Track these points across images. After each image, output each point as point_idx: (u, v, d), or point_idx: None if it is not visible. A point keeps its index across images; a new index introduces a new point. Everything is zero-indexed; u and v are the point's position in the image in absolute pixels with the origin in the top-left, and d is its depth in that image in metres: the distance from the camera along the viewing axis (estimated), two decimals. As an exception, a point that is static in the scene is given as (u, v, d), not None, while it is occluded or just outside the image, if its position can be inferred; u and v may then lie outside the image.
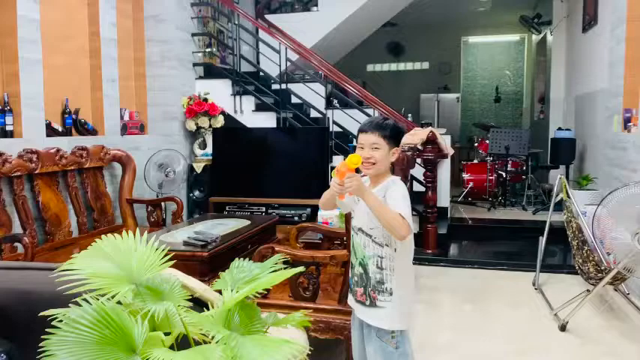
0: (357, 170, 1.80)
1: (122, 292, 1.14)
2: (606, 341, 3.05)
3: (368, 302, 1.86)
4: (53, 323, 1.02)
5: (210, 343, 1.15)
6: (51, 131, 3.98)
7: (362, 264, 1.87)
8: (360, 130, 1.89)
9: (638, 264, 2.21)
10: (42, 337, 1.00)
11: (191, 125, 5.17)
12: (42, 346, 1.00)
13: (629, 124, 4.05)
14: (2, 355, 1.41)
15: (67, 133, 4.13)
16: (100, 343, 1.01)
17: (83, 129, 4.30)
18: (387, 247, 1.82)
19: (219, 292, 1.38)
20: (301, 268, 1.59)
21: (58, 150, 3.81)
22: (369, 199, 1.74)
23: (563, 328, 3.17)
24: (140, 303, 1.18)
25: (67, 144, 3.96)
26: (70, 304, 1.07)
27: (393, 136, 1.85)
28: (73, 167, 3.96)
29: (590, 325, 3.26)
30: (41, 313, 1.13)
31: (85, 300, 1.09)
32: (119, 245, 1.24)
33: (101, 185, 4.30)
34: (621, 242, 2.16)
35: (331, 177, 1.82)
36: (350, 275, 1.97)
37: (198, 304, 1.53)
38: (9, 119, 3.57)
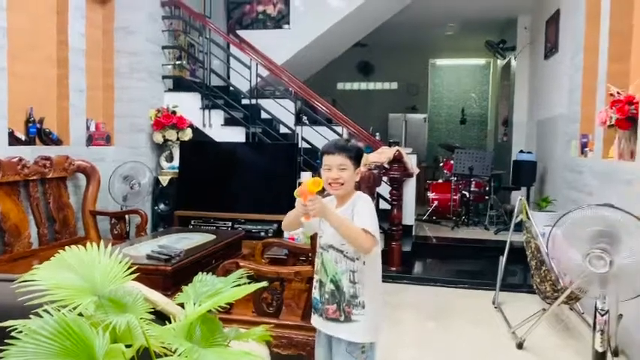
0: (323, 190, 1.86)
1: (84, 304, 1.14)
2: (561, 359, 3.14)
3: (342, 318, 1.89)
4: (13, 334, 1.01)
5: (171, 355, 1.16)
6: (14, 140, 3.90)
7: (334, 280, 1.90)
8: (326, 152, 1.95)
9: (590, 284, 2.30)
10: (0, 347, 1.00)
11: (158, 138, 5.13)
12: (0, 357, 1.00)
13: (586, 149, 4.22)
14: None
15: (30, 142, 4.06)
16: (60, 354, 1.01)
17: (47, 138, 4.23)
18: (357, 261, 1.88)
19: (182, 305, 1.40)
20: (264, 283, 1.61)
21: (21, 159, 3.74)
22: (332, 219, 1.81)
23: (520, 346, 3.25)
24: (102, 315, 1.19)
25: (30, 153, 3.89)
26: (30, 315, 1.07)
27: (357, 156, 1.94)
28: (35, 177, 3.89)
29: (546, 344, 3.35)
30: (0, 324, 1.12)
31: (45, 311, 1.09)
32: (82, 257, 1.24)
33: (64, 196, 4.22)
34: (574, 263, 2.24)
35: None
36: (317, 295, 1.98)
37: (160, 317, 1.53)
38: (-30, 127, 3.50)
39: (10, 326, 1.07)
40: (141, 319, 1.24)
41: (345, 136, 5.52)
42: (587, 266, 2.14)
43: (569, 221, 2.24)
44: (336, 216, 1.83)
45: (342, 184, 1.91)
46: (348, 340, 1.89)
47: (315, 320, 2.00)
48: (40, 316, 1.07)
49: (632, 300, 2.95)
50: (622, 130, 3.31)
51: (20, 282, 1.15)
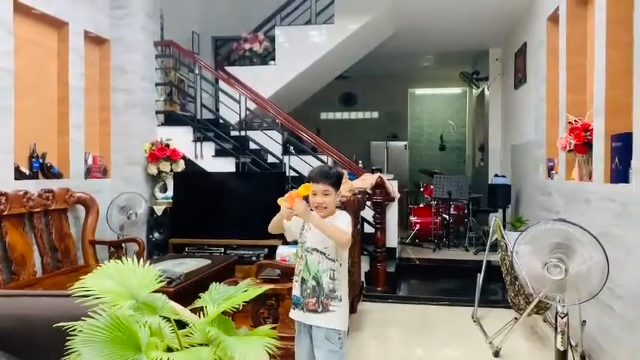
0: (306, 198, 2.25)
1: (126, 306, 1.41)
2: (534, 364, 3.43)
3: (320, 309, 2.25)
4: (77, 328, 1.27)
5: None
6: (18, 174, 4.14)
7: (315, 277, 2.26)
8: (312, 179, 2.32)
9: (557, 292, 2.59)
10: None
11: (153, 169, 5.40)
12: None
13: (552, 172, 4.58)
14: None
15: (33, 176, 4.29)
16: (114, 341, 1.27)
17: (49, 172, 4.47)
18: (336, 262, 2.28)
19: (195, 313, 1.67)
20: (269, 285, 1.97)
21: (26, 192, 3.98)
22: (313, 219, 2.20)
23: (496, 354, 3.53)
24: (139, 315, 1.45)
25: (34, 187, 4.13)
26: (83, 318, 1.33)
27: (338, 182, 2.35)
28: (39, 209, 4.12)
29: (521, 351, 3.64)
30: (58, 324, 1.38)
31: (95, 312, 1.36)
32: (121, 268, 1.51)
33: (65, 227, 4.45)
34: (537, 273, 2.54)
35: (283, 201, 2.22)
36: (298, 291, 2.33)
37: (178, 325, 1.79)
38: (-20, 162, 3.73)
39: (66, 326, 1.34)
40: (164, 319, 1.52)
41: (330, 163, 5.83)
42: (545, 274, 2.44)
43: (529, 236, 2.55)
44: (316, 217, 2.22)
45: (326, 208, 2.30)
46: (328, 327, 2.25)
47: (296, 314, 2.34)
48: (94, 316, 1.34)
49: (595, 308, 3.27)
50: (580, 154, 3.67)
51: (74, 289, 1.42)
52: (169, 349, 1.48)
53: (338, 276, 2.28)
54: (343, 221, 2.29)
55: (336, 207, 2.41)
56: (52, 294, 1.82)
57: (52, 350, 1.52)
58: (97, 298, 1.38)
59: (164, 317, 1.55)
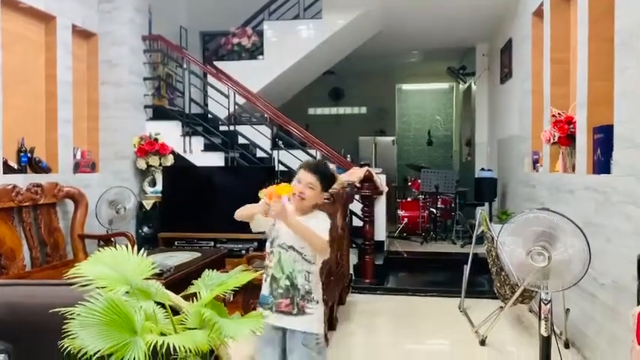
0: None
1: (122, 291, 1.44)
2: (518, 352, 3.51)
3: (295, 311, 2.07)
4: (74, 313, 1.30)
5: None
6: (7, 168, 4.13)
7: (290, 277, 2.08)
8: (303, 168, 2.18)
9: (541, 279, 2.65)
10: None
11: (142, 164, 5.40)
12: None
13: (537, 164, 4.66)
14: (2, 354, 1.65)
15: (22, 170, 4.29)
16: (110, 324, 1.30)
17: (37, 167, 4.46)
18: (313, 264, 2.12)
19: (187, 300, 1.71)
20: (260, 272, 2.00)
21: (15, 186, 3.98)
22: (290, 222, 2.03)
23: (482, 342, 3.60)
24: (134, 301, 1.49)
25: (22, 181, 4.12)
26: (85, 297, 1.36)
27: (328, 183, 2.19)
28: (28, 203, 4.12)
29: (506, 340, 3.73)
30: (55, 310, 1.41)
31: (91, 296, 1.39)
32: (115, 255, 1.55)
33: (54, 221, 4.45)
34: (521, 261, 2.61)
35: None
36: (266, 290, 2.14)
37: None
38: (-32, 157, 3.73)
39: (61, 311, 1.37)
40: (158, 305, 1.55)
41: (319, 158, 5.87)
42: (529, 262, 2.50)
43: (514, 224, 2.62)
44: (293, 219, 2.04)
45: (303, 199, 2.12)
46: (305, 332, 2.07)
47: (267, 314, 2.08)
48: (89, 301, 1.37)
49: (578, 297, 3.35)
50: (564, 147, 3.74)
51: (71, 274, 1.45)
52: (163, 335, 1.52)
53: (313, 278, 2.12)
54: (322, 224, 2.12)
55: (317, 208, 2.25)
56: (47, 283, 1.85)
57: (47, 337, 1.55)
58: (93, 283, 1.42)
59: (158, 304, 1.59)
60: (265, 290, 2.15)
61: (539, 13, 4.64)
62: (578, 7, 3.56)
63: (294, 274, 2.09)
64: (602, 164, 3.11)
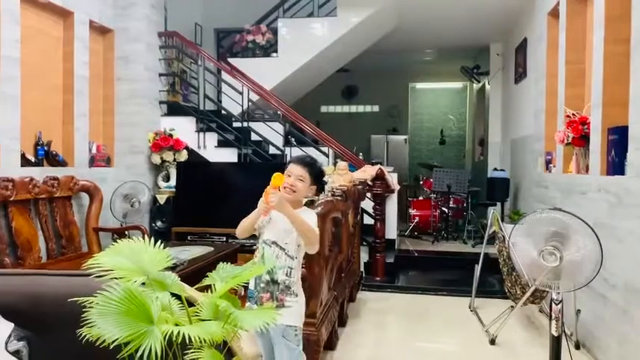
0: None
1: (138, 281, 1.47)
2: (528, 352, 3.50)
3: (275, 305, 2.12)
4: (93, 302, 1.34)
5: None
6: (24, 161, 4.20)
7: (270, 272, 2.13)
8: (292, 161, 2.26)
9: (552, 279, 2.65)
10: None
11: (156, 159, 5.46)
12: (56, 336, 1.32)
13: (550, 165, 4.64)
14: (22, 341, 1.69)
15: (39, 163, 4.35)
16: (127, 313, 1.34)
17: (54, 160, 4.53)
18: (295, 260, 2.16)
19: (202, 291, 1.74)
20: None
21: (32, 179, 4.04)
22: (290, 211, 2.06)
23: (492, 342, 3.61)
24: (150, 291, 1.52)
25: (39, 174, 4.19)
26: (103, 287, 1.40)
27: (317, 175, 2.25)
28: (44, 196, 4.18)
29: (516, 340, 3.72)
30: (73, 299, 1.45)
31: (110, 286, 1.42)
32: (133, 246, 1.58)
33: (69, 214, 4.51)
34: (533, 261, 2.61)
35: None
36: (252, 284, 2.18)
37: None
38: (-13, 149, 3.79)
39: (80, 300, 1.41)
40: (173, 296, 1.59)
41: (331, 156, 5.90)
42: (541, 262, 2.51)
43: (526, 224, 2.62)
44: (291, 209, 2.08)
45: (295, 192, 2.18)
46: (284, 324, 2.11)
47: (251, 308, 2.16)
48: (108, 290, 1.41)
49: (589, 298, 3.35)
50: (577, 147, 3.73)
51: (89, 264, 1.48)
52: (177, 326, 1.55)
53: (295, 274, 2.17)
54: (311, 218, 2.18)
55: (305, 205, 2.32)
56: (66, 273, 1.89)
57: (65, 326, 1.59)
58: (111, 273, 1.45)
59: (173, 295, 1.63)
60: (251, 284, 2.19)
61: (554, 13, 4.62)
62: (594, 8, 3.54)
63: (274, 270, 2.13)
64: (616, 165, 3.11)
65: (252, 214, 2.19)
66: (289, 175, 2.20)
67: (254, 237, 5.06)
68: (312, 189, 2.25)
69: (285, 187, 2.16)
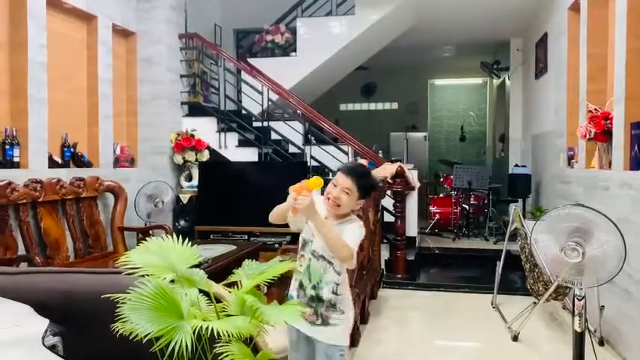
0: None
1: (168, 278, 1.53)
2: (551, 349, 3.50)
3: (319, 321, 1.95)
4: (125, 297, 1.39)
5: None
6: (52, 163, 4.30)
7: (316, 288, 1.95)
8: (341, 170, 2.01)
9: (575, 275, 2.65)
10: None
11: (178, 159, 5.55)
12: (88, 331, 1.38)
13: (572, 161, 4.60)
14: (57, 336, 1.75)
15: (65, 165, 4.46)
16: (158, 308, 1.39)
17: (80, 161, 4.63)
18: (341, 275, 1.97)
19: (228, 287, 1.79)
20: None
21: (59, 180, 4.15)
22: (316, 220, 1.87)
23: (515, 338, 3.60)
24: (179, 287, 1.57)
25: (66, 175, 4.29)
26: (135, 283, 1.45)
27: (366, 190, 2.00)
28: (71, 196, 4.28)
29: (539, 337, 3.71)
30: (106, 295, 1.51)
31: (142, 282, 1.48)
32: (162, 244, 1.64)
33: (95, 214, 4.61)
34: (555, 257, 2.61)
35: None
36: (294, 292, 2.02)
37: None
38: (16, 151, 3.89)
39: (113, 297, 1.46)
40: (201, 293, 1.64)
41: (351, 154, 5.91)
42: (563, 257, 2.51)
43: (548, 219, 2.62)
44: (320, 218, 1.89)
45: (339, 206, 1.96)
46: (328, 343, 1.94)
47: None
48: (140, 287, 1.46)
49: (613, 294, 3.32)
50: (600, 143, 3.70)
51: (120, 262, 1.54)
52: (205, 321, 1.60)
53: (341, 291, 1.97)
54: (352, 232, 1.95)
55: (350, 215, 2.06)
56: (99, 270, 1.96)
57: (97, 321, 1.65)
58: (142, 270, 1.51)
59: (200, 292, 1.68)
60: (293, 292, 2.04)
61: (575, 8, 4.57)
62: (616, 2, 3.51)
63: (320, 285, 1.95)
64: (639, 160, 3.08)
65: (284, 205, 1.99)
66: (335, 185, 1.98)
67: (275, 235, 5.10)
68: (358, 203, 2.02)
69: (328, 199, 1.97)
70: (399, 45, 7.82)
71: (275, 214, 2.07)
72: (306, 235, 2.03)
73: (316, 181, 1.89)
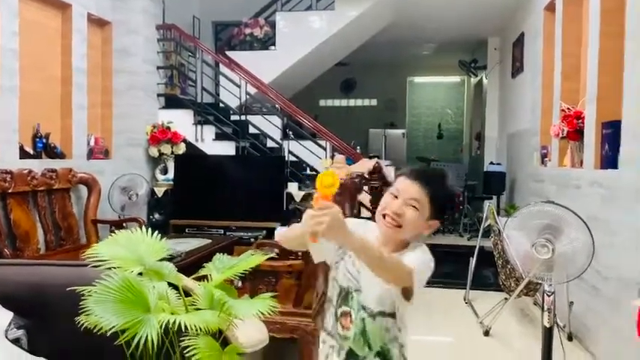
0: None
1: (135, 271, 1.51)
2: (522, 344, 3.56)
3: None
4: (92, 289, 1.37)
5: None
6: (23, 154, 4.21)
7: (382, 352, 1.41)
8: (405, 175, 1.42)
9: (545, 271, 2.69)
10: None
11: (154, 152, 5.48)
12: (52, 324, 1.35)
13: (546, 159, 4.67)
14: (22, 329, 1.72)
15: (37, 156, 4.37)
16: (125, 301, 1.37)
17: (52, 152, 4.54)
18: (403, 330, 1.45)
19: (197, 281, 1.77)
20: (270, 255, 2.00)
21: (30, 171, 4.06)
22: (351, 242, 1.23)
23: (486, 333, 3.65)
24: (147, 280, 1.55)
25: (37, 166, 4.20)
26: (101, 276, 1.43)
27: (442, 205, 1.41)
28: (43, 188, 4.20)
29: (510, 332, 3.77)
30: (72, 288, 1.48)
31: (108, 275, 1.45)
32: (131, 237, 1.61)
33: (68, 206, 4.53)
34: (526, 253, 2.64)
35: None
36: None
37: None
38: (-14, 141, 3.80)
39: (78, 290, 1.44)
40: (173, 287, 1.62)
41: (329, 150, 5.90)
42: (533, 253, 2.54)
43: (520, 216, 2.65)
44: (355, 237, 1.22)
45: (399, 227, 1.36)
46: None
47: None
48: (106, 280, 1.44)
49: (582, 290, 3.39)
50: (572, 141, 3.76)
51: (87, 254, 1.51)
52: (173, 315, 1.58)
53: (405, 341, 1.46)
54: (418, 256, 1.36)
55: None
56: (65, 263, 1.93)
57: (63, 314, 1.62)
58: (109, 263, 1.48)
59: (170, 285, 1.66)
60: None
61: (551, 8, 4.63)
62: (589, 2, 3.56)
63: (386, 347, 1.40)
64: (609, 159, 3.14)
65: (298, 227, 1.33)
66: (395, 196, 1.39)
67: (251, 229, 5.05)
68: (427, 225, 1.40)
69: (384, 217, 1.38)
70: (379, 41, 7.85)
71: (287, 236, 1.46)
72: (343, 278, 1.41)
73: (329, 176, 1.22)
